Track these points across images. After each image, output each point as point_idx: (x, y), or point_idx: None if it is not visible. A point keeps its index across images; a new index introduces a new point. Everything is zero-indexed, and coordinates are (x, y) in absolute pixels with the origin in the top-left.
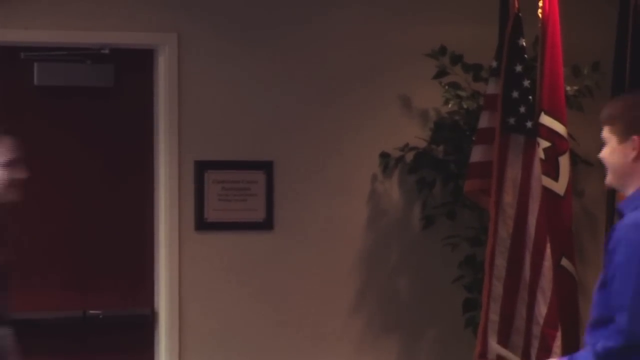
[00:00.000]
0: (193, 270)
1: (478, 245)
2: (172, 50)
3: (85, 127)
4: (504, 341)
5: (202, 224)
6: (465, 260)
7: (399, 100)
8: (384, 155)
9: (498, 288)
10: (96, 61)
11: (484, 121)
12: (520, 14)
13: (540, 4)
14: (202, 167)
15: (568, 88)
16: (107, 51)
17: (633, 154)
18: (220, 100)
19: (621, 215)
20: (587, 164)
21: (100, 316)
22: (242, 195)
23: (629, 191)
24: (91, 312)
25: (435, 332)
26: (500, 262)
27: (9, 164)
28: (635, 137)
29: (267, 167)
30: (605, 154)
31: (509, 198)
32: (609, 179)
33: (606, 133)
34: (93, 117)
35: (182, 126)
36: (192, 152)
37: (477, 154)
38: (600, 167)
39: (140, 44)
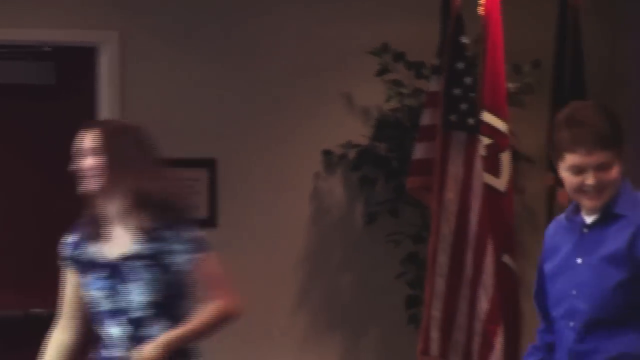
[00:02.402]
0: None
1: (420, 243)
2: (114, 49)
3: (26, 125)
4: (446, 338)
5: None
6: (408, 257)
7: (341, 98)
8: (327, 153)
9: (440, 285)
10: (37, 59)
11: (426, 118)
12: (461, 12)
13: (481, 1)
14: None
15: (509, 85)
16: (48, 49)
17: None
18: (163, 99)
19: (613, 217)
20: (528, 161)
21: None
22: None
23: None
24: (33, 310)
25: (378, 329)
26: (443, 259)
27: None
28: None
29: (209, 165)
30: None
31: (451, 195)
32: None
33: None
34: (34, 115)
35: None
36: None
37: (419, 151)
38: (540, 164)
39: (82, 42)
